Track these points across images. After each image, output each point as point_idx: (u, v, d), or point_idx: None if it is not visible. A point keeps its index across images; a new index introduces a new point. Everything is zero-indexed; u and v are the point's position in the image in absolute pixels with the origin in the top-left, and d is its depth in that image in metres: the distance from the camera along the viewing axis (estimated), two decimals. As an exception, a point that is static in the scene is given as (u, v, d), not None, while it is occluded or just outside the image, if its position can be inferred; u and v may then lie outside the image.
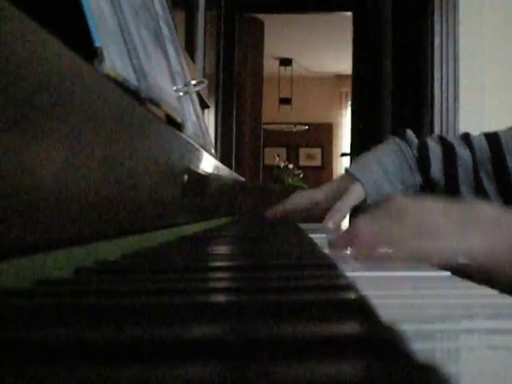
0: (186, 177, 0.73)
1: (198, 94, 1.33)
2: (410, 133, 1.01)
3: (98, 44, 0.46)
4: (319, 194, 1.03)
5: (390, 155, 0.98)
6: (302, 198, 1.05)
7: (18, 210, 0.29)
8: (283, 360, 0.15)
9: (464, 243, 0.50)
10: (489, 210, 0.52)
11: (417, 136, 1.01)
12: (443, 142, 0.98)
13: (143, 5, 0.76)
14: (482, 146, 0.94)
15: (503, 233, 0.50)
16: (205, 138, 1.17)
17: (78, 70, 0.37)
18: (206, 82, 1.08)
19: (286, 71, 6.82)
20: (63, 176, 0.34)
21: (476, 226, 0.51)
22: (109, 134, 0.43)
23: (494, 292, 0.35)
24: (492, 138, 0.94)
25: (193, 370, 0.14)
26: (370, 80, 3.17)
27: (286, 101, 7.05)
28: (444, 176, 0.96)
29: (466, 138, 0.97)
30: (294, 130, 7.32)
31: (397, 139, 1.00)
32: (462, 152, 0.95)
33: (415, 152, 0.98)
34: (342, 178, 1.03)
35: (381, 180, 0.96)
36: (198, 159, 0.86)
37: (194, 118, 1.06)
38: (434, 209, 0.54)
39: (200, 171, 0.86)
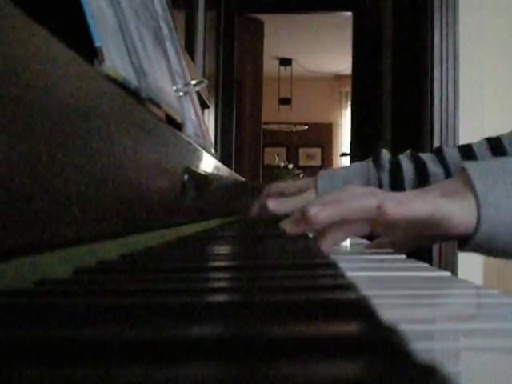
0: (186, 177, 0.73)
1: (198, 94, 1.33)
2: (384, 155, 1.01)
3: (98, 44, 0.46)
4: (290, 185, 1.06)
5: (355, 180, 1.00)
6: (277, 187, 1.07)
7: (18, 210, 0.28)
8: (283, 360, 0.15)
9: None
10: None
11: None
12: (415, 159, 0.98)
13: (143, 5, 0.76)
14: (456, 159, 0.94)
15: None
16: (205, 138, 1.17)
17: (78, 70, 0.37)
18: (206, 81, 1.08)
19: (285, 71, 6.83)
20: (63, 176, 0.34)
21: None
22: (108, 134, 0.43)
23: (494, 292, 0.35)
24: (465, 151, 0.94)
25: (193, 369, 0.14)
26: (370, 80, 3.17)
27: (285, 101, 7.06)
28: None
29: (440, 152, 0.97)
30: (294, 130, 7.33)
31: (370, 163, 1.01)
32: (435, 169, 0.95)
33: (387, 175, 0.99)
34: (308, 181, 1.05)
35: None
36: (198, 159, 0.86)
37: (193, 118, 1.06)
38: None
39: (200, 171, 0.86)
